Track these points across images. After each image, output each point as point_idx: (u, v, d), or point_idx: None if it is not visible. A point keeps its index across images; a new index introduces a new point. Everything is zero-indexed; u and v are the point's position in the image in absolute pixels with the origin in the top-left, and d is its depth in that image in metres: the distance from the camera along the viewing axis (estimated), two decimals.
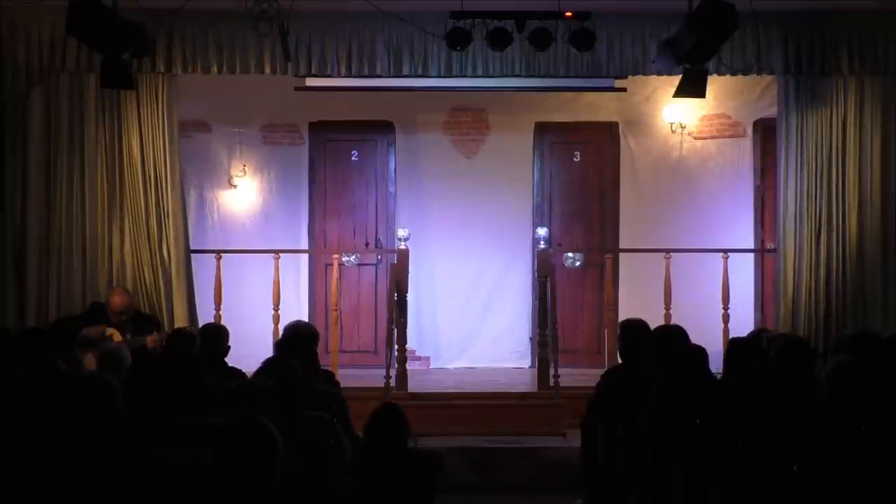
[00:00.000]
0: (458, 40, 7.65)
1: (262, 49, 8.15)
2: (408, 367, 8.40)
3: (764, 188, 9.99)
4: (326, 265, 9.89)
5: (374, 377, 8.34)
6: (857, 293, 8.49)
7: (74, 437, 3.76)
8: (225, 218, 10.13)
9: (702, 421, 4.53)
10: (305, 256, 10.10)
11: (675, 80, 7.66)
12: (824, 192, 8.52)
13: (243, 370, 5.76)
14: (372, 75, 8.41)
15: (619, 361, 6.24)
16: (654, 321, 6.37)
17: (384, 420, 4.83)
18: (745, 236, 9.94)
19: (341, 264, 9.07)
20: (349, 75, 8.41)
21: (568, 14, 7.69)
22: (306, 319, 9.18)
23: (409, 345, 8.72)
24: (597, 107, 10.12)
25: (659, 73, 8.41)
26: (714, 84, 8.72)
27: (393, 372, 8.24)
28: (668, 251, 8.98)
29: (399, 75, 8.37)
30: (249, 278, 9.32)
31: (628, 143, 10.24)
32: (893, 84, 8.51)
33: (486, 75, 8.36)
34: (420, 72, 8.31)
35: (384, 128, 10.30)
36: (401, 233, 8.73)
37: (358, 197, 10.32)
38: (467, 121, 10.31)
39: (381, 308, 9.86)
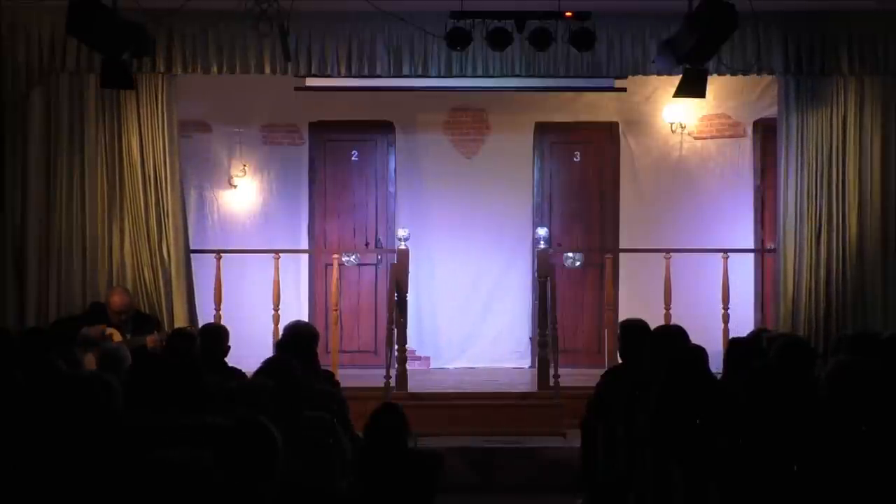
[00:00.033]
0: (458, 40, 7.65)
1: (262, 49, 8.15)
2: (408, 367, 8.40)
3: (764, 188, 9.99)
4: (326, 265, 9.89)
5: (374, 377, 8.34)
6: (857, 293, 8.49)
7: (74, 437, 3.76)
8: (225, 218, 10.13)
9: (702, 421, 4.53)
10: (305, 256, 10.10)
11: (675, 80, 7.66)
12: (824, 192, 8.52)
13: (243, 370, 5.76)
14: (372, 75, 8.41)
15: (619, 361, 6.24)
16: (654, 321, 6.37)
17: (384, 420, 4.83)
18: (745, 236, 9.94)
19: (341, 264, 9.07)
20: (349, 75, 8.41)
21: (568, 14, 7.69)
22: (306, 319, 9.18)
23: (409, 345, 8.72)
24: (597, 107, 10.12)
25: (659, 73, 8.41)
26: (714, 84, 8.72)
27: (393, 372, 8.24)
28: (668, 251, 8.98)
29: (399, 75, 8.37)
30: (249, 278, 9.32)
31: (628, 143, 10.24)
32: (893, 84, 8.51)
33: (486, 75, 8.36)
34: (420, 72, 8.31)
35: (384, 128, 10.30)
36: (401, 233, 8.73)
37: (358, 197, 10.32)
38: (467, 121, 10.31)
39: (381, 308, 9.86)
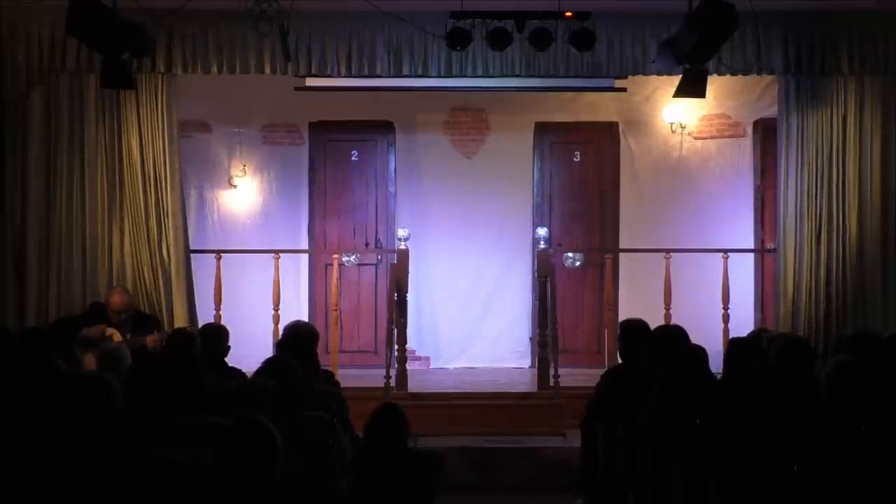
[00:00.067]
0: (458, 40, 7.65)
1: (262, 49, 8.15)
2: (408, 367, 8.40)
3: (764, 188, 9.99)
4: (326, 265, 9.89)
5: (374, 377, 8.34)
6: (857, 293, 8.49)
7: (74, 437, 3.76)
8: (225, 218, 10.13)
9: (702, 421, 4.53)
10: (305, 256, 10.10)
11: (675, 80, 7.66)
12: (824, 192, 8.52)
13: (243, 370, 5.76)
14: (372, 75, 8.41)
15: (619, 361, 6.24)
16: (654, 321, 6.37)
17: (384, 420, 4.83)
18: (745, 236, 9.94)
19: (341, 264, 9.07)
20: (349, 75, 8.41)
21: (568, 14, 7.69)
22: (306, 319, 9.18)
23: (409, 345, 8.72)
24: (597, 107, 10.12)
25: (659, 73, 8.41)
26: (714, 84, 8.72)
27: (393, 372, 8.24)
28: (668, 251, 8.98)
29: (399, 75, 8.37)
30: (249, 278, 9.32)
31: (628, 143, 10.24)
32: (893, 84, 8.51)
33: (486, 75, 8.36)
34: (420, 72, 8.31)
35: (384, 128, 10.30)
36: (401, 233, 8.73)
37: (358, 197, 10.32)
38: (467, 121, 10.31)
39: (381, 308, 9.86)
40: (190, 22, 8.08)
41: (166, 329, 8.04)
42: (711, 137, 10.17)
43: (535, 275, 9.21)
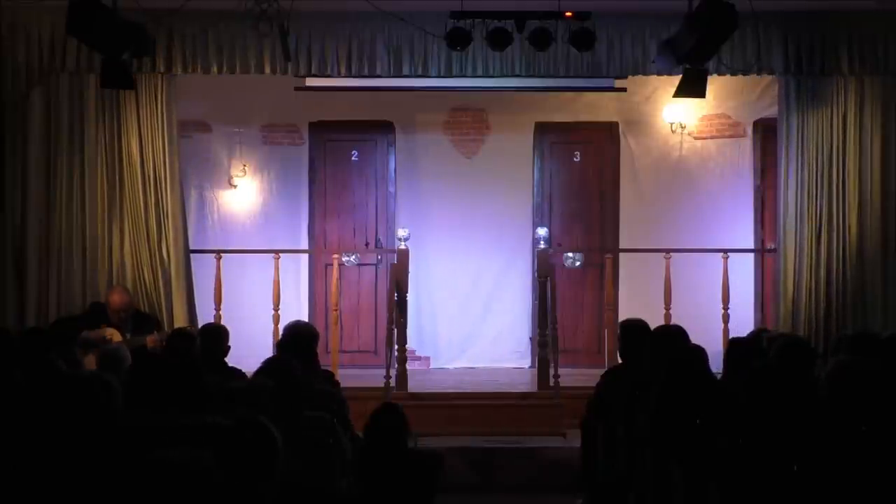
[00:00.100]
0: (458, 40, 7.65)
1: (262, 49, 8.15)
2: (408, 367, 8.40)
3: (764, 188, 9.99)
4: (326, 265, 9.89)
5: (374, 377, 8.34)
6: (857, 293, 8.49)
7: (74, 437, 3.76)
8: (225, 218, 10.13)
9: (702, 421, 4.53)
10: (305, 256, 10.10)
11: (675, 80, 7.66)
12: (824, 192, 8.52)
13: (243, 370, 5.76)
14: (372, 75, 8.41)
15: (619, 361, 6.24)
16: (654, 321, 6.37)
17: (384, 420, 4.83)
18: (745, 236, 9.94)
19: (341, 264, 9.07)
20: (349, 75, 8.41)
21: (568, 14, 7.69)
22: (306, 319, 9.18)
23: (409, 345, 8.72)
24: (597, 107, 10.12)
25: (659, 73, 8.41)
26: (714, 84, 8.72)
27: (393, 372, 8.24)
28: (668, 251, 8.98)
29: (399, 75, 8.37)
30: (249, 278, 9.32)
31: (628, 143, 10.24)
32: (893, 84, 8.51)
33: (486, 75, 8.36)
34: (420, 72, 8.31)
35: (384, 128, 10.30)
36: (401, 233, 8.73)
37: (358, 197, 10.32)
38: (467, 121, 10.31)
39: (381, 308, 9.86)
40: (190, 22, 8.08)
41: (166, 329, 8.04)
42: (711, 137, 10.17)
43: (535, 275, 9.22)
